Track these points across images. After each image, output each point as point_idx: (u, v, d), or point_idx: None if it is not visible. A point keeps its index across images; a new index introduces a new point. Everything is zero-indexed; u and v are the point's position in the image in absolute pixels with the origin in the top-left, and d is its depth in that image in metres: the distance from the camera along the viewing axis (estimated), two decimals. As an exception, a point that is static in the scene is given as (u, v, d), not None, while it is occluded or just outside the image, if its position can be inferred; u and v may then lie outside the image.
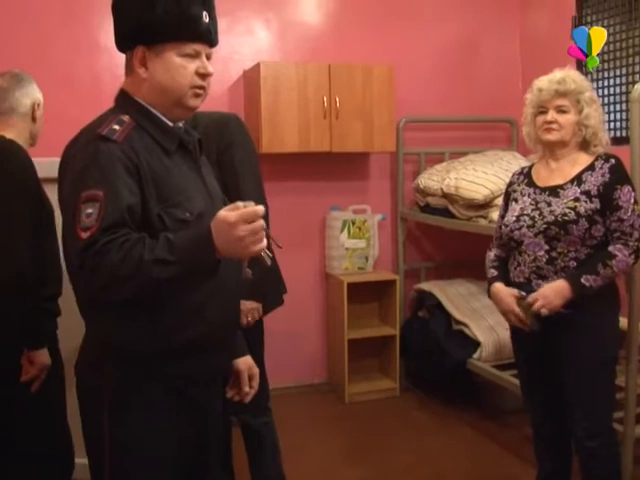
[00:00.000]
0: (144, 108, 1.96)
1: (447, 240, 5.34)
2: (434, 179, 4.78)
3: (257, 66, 4.59)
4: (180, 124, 2.05)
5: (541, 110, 2.88)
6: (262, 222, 1.70)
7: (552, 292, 2.72)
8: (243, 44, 4.88)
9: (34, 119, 2.80)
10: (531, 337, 2.85)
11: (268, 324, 3.19)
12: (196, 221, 1.88)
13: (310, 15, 5.08)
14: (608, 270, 2.71)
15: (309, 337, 5.18)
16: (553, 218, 2.76)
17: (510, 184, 3.10)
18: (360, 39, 5.11)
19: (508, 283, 2.95)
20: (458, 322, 4.66)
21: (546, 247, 2.79)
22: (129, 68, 1.98)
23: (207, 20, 1.95)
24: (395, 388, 5.06)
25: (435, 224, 4.93)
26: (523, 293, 2.80)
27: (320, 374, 5.26)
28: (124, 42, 1.98)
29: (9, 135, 2.68)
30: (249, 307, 2.97)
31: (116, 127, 1.86)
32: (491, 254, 3.10)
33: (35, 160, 2.65)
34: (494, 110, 5.42)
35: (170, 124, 2.00)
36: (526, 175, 3.01)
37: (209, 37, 1.97)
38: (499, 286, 2.95)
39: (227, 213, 1.68)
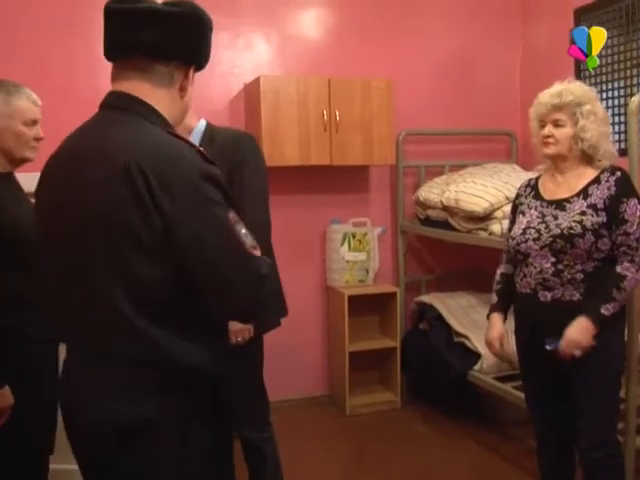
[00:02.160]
0: (172, 127, 1.87)
1: (447, 252, 5.35)
2: (434, 192, 4.79)
3: (257, 80, 4.61)
4: None
5: (541, 124, 2.89)
6: None
7: (579, 335, 2.71)
8: (244, 58, 4.90)
9: None
10: (537, 349, 2.86)
11: (268, 337, 3.19)
12: None
13: (310, 29, 5.11)
14: (622, 293, 2.72)
15: (310, 349, 5.17)
16: (559, 231, 2.76)
17: (517, 196, 3.10)
18: (360, 53, 5.13)
19: (512, 296, 3.02)
20: (459, 334, 4.66)
21: (552, 259, 2.79)
22: (164, 81, 1.84)
23: None
24: (396, 400, 5.06)
25: (435, 237, 4.94)
26: (548, 347, 2.77)
27: (321, 386, 5.25)
28: (186, 59, 1.88)
29: None
30: (238, 328, 2.93)
31: (201, 149, 1.82)
32: (498, 271, 3.14)
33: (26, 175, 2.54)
34: (494, 123, 5.44)
35: None
36: (533, 187, 3.01)
37: None
38: (495, 319, 3.08)
39: None
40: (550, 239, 2.78)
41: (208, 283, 1.70)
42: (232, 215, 1.71)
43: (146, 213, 1.62)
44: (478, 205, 4.27)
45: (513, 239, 2.94)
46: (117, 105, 1.84)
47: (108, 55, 1.86)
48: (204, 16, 1.86)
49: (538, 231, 2.83)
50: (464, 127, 5.39)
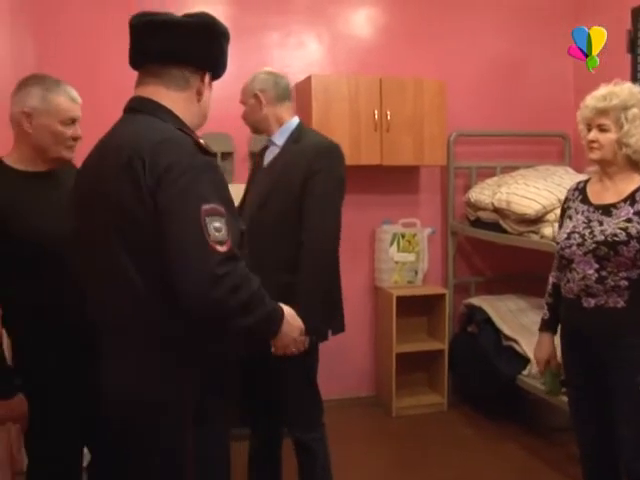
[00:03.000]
0: (188, 128, 2.04)
1: (497, 255, 5.29)
2: (485, 193, 4.75)
3: (308, 79, 4.62)
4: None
5: (587, 127, 2.83)
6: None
7: None
8: (295, 57, 4.91)
9: (26, 131, 2.47)
10: (579, 353, 2.83)
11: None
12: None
13: (361, 28, 5.10)
14: None
15: (357, 350, 5.16)
16: (603, 238, 2.69)
17: (566, 200, 3.03)
18: (410, 52, 5.11)
19: (559, 302, 2.97)
20: (508, 338, 4.61)
21: (596, 266, 2.72)
22: (179, 84, 2.05)
23: None
24: (442, 403, 5.03)
25: (485, 239, 4.89)
26: None
27: (367, 387, 5.24)
28: (202, 65, 2.09)
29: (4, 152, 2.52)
30: (292, 338, 2.90)
31: (201, 141, 1.95)
32: (550, 279, 3.10)
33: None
34: (546, 124, 5.37)
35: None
36: (581, 191, 2.93)
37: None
38: (545, 340, 3.10)
39: (300, 324, 2.22)
40: (593, 245, 2.71)
41: (167, 261, 1.78)
42: (211, 206, 1.79)
43: (140, 193, 1.80)
44: (530, 207, 4.22)
45: (558, 244, 2.90)
46: (135, 108, 2.03)
47: (131, 64, 2.07)
48: (216, 26, 2.07)
49: (582, 236, 2.76)
50: (516, 129, 5.33)
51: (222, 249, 1.76)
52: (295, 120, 3.15)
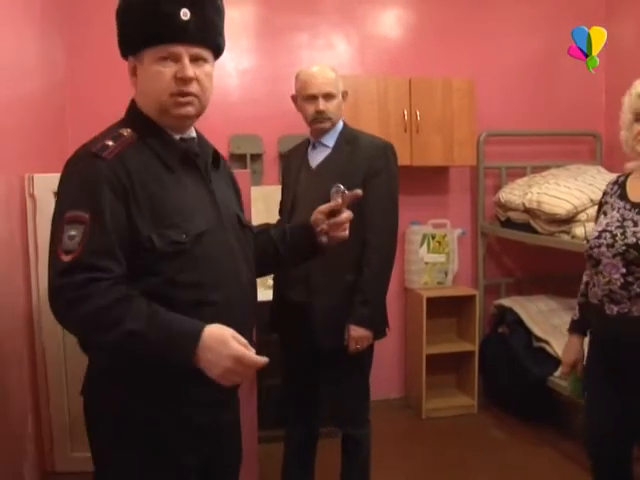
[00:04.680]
0: (147, 120, 1.89)
1: (528, 255, 5.26)
2: (515, 193, 4.71)
3: (338, 80, 4.61)
4: (192, 134, 1.98)
5: (637, 117, 2.56)
6: (250, 373, 1.70)
7: None
8: (323, 58, 4.89)
9: None
10: (602, 361, 2.67)
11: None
12: (194, 242, 1.81)
13: (390, 29, 5.09)
14: None
15: (386, 351, 5.12)
16: (634, 240, 2.46)
17: (604, 194, 2.78)
18: (439, 52, 5.09)
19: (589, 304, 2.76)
20: (539, 339, 4.57)
21: (623, 270, 2.48)
22: (130, 73, 1.92)
23: (186, 17, 1.79)
24: (473, 405, 5.00)
25: (516, 239, 4.85)
26: None
27: (397, 389, 5.23)
28: (121, 53, 1.92)
29: None
30: (361, 334, 3.03)
31: (109, 143, 1.78)
32: (584, 278, 2.89)
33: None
34: (577, 123, 5.32)
35: (175, 137, 1.92)
36: (620, 185, 2.69)
37: (186, 36, 1.80)
38: (573, 342, 2.89)
39: (234, 343, 1.65)
40: (623, 247, 2.48)
41: None
42: (73, 214, 1.70)
43: None
44: (561, 207, 4.18)
45: (587, 242, 2.67)
46: None
47: None
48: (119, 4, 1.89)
49: (614, 237, 2.52)
50: (547, 128, 5.29)
51: (66, 258, 1.65)
52: (341, 121, 3.20)
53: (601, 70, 5.33)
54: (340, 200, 2.17)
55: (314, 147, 3.18)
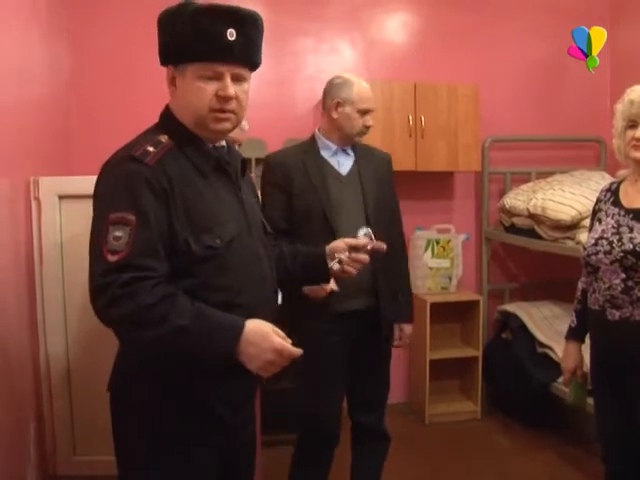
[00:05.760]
0: (183, 127, 1.93)
1: (532, 261, 5.26)
2: (520, 199, 4.71)
3: (343, 85, 4.60)
4: (223, 143, 2.03)
5: (631, 124, 2.60)
6: (287, 362, 1.80)
7: None
8: (329, 63, 4.91)
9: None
10: (605, 367, 2.69)
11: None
12: (226, 247, 1.87)
13: (395, 34, 5.10)
14: None
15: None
16: (631, 247, 2.49)
17: (597, 201, 2.82)
18: (444, 58, 5.10)
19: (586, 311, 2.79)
20: (543, 345, 4.57)
21: (622, 276, 2.53)
22: (169, 82, 1.96)
23: (232, 38, 1.83)
24: (476, 411, 4.99)
25: (520, 245, 4.85)
26: None
27: (400, 394, 5.22)
28: (161, 60, 1.95)
29: None
30: (411, 331, 3.36)
31: (150, 149, 1.84)
32: (579, 285, 2.91)
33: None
34: (582, 129, 5.32)
35: (208, 145, 1.96)
36: (613, 192, 2.73)
37: (231, 56, 1.86)
38: (571, 349, 2.92)
39: (276, 337, 1.77)
40: (621, 254, 2.52)
41: None
42: (118, 215, 1.75)
43: None
44: (565, 213, 4.18)
45: (585, 249, 2.70)
46: None
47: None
48: (163, 14, 1.92)
49: (610, 243, 2.56)
50: (551, 134, 5.30)
51: (113, 258, 1.71)
52: None
53: (606, 76, 5.34)
54: (368, 244, 2.27)
55: (335, 154, 3.14)
